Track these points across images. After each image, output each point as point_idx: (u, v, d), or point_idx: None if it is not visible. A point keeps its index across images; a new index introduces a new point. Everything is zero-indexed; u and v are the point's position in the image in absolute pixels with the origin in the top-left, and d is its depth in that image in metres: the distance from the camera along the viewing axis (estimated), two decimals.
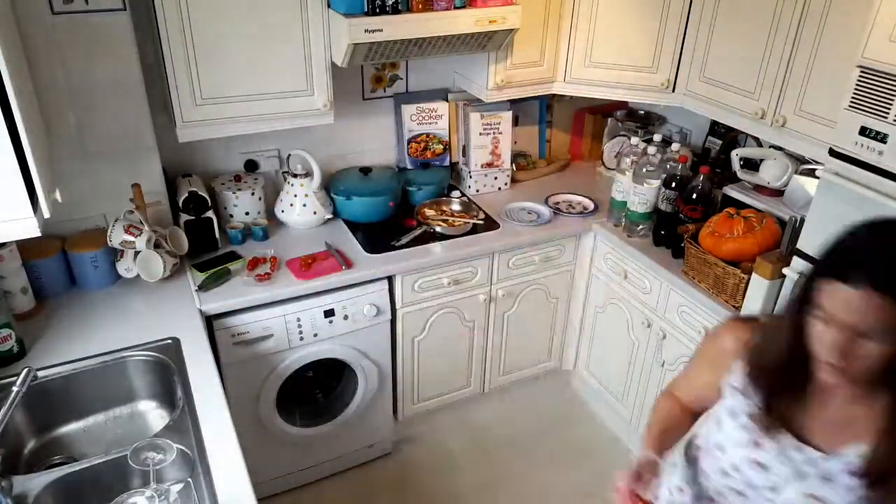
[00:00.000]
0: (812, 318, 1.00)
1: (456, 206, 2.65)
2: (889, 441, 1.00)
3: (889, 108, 1.51)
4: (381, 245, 2.39)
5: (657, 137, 2.53)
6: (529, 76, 2.52)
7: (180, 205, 2.21)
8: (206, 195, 2.25)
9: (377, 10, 2.04)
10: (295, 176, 2.43)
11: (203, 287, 2.09)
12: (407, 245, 2.41)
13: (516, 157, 2.96)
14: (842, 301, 0.94)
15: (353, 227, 2.51)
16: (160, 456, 1.44)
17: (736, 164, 2.32)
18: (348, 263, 2.26)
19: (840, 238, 1.01)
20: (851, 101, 1.59)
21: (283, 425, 2.36)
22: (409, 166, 2.77)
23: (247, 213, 2.42)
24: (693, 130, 2.85)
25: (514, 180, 2.90)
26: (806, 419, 1.10)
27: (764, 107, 2.08)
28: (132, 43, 1.96)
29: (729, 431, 1.16)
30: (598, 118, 3.11)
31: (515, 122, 2.87)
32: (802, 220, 1.84)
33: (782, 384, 1.10)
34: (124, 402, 1.82)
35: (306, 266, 2.22)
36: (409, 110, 2.70)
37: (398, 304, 2.41)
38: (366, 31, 2.02)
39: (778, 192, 2.22)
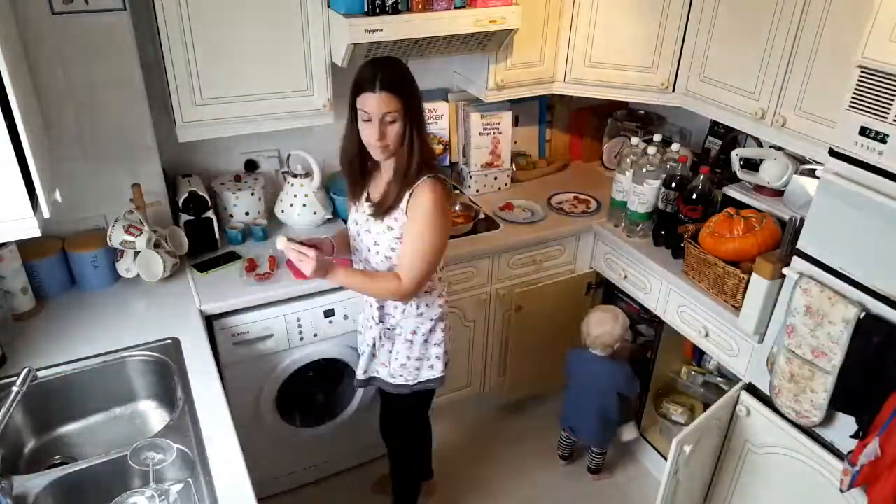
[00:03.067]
0: (361, 123, 1.69)
1: (456, 206, 2.65)
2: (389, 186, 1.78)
3: (889, 109, 1.51)
4: None
5: (657, 137, 2.53)
6: (529, 76, 2.52)
7: (180, 205, 2.22)
8: (206, 195, 2.25)
9: (377, 10, 2.04)
10: (295, 176, 2.43)
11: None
12: None
13: (516, 157, 2.96)
14: (372, 102, 1.62)
15: None
16: (160, 456, 1.45)
17: (736, 164, 2.32)
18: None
19: (357, 73, 1.66)
20: (851, 101, 1.59)
21: (283, 425, 2.36)
22: None
23: (247, 213, 2.42)
24: (693, 130, 2.85)
25: (514, 180, 2.90)
26: (372, 190, 1.86)
27: (764, 107, 2.08)
28: (132, 43, 1.96)
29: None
30: (598, 118, 3.11)
31: (515, 122, 2.87)
32: (802, 220, 1.84)
33: (355, 172, 1.85)
34: (124, 402, 1.82)
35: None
36: None
37: None
38: (365, 31, 2.02)
39: (778, 193, 2.22)
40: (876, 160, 1.56)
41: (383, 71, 1.63)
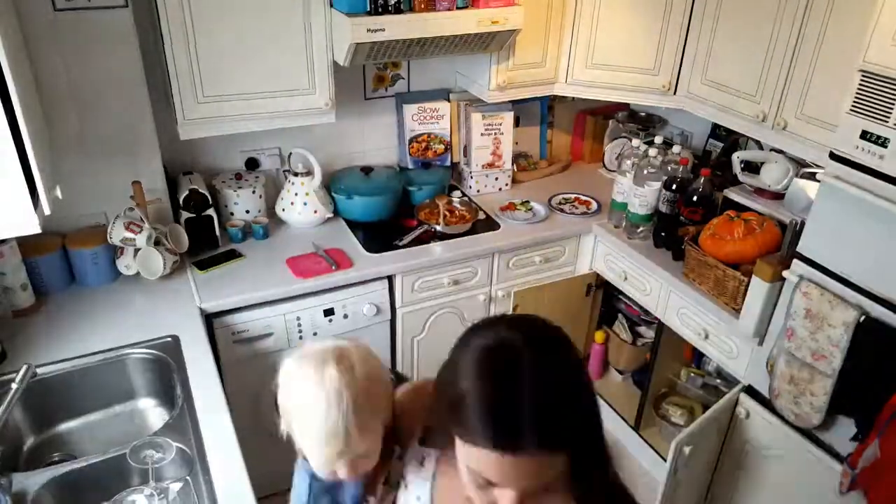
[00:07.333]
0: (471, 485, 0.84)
1: (456, 207, 2.65)
2: None
3: (890, 113, 1.51)
4: (381, 244, 2.39)
5: (658, 139, 2.53)
6: (531, 77, 2.52)
7: (181, 202, 2.21)
8: (206, 193, 2.25)
9: (380, 10, 2.04)
10: (296, 174, 2.43)
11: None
12: (407, 245, 2.41)
13: (517, 157, 2.95)
14: (512, 469, 0.79)
15: (354, 226, 2.51)
16: (159, 454, 1.45)
17: (737, 167, 2.32)
18: (340, 265, 2.27)
19: (461, 398, 0.81)
20: (853, 105, 1.59)
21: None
22: (410, 166, 2.77)
23: (247, 212, 2.42)
24: (694, 133, 2.85)
25: (514, 181, 2.90)
26: None
27: (765, 110, 2.08)
28: (134, 40, 1.96)
29: None
30: (599, 119, 3.11)
31: (517, 122, 2.87)
32: (803, 224, 1.84)
33: None
34: (124, 400, 1.82)
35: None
36: (410, 110, 2.70)
37: (398, 304, 2.41)
38: (368, 30, 2.02)
39: (778, 196, 2.22)
40: (877, 164, 1.56)
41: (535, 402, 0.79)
